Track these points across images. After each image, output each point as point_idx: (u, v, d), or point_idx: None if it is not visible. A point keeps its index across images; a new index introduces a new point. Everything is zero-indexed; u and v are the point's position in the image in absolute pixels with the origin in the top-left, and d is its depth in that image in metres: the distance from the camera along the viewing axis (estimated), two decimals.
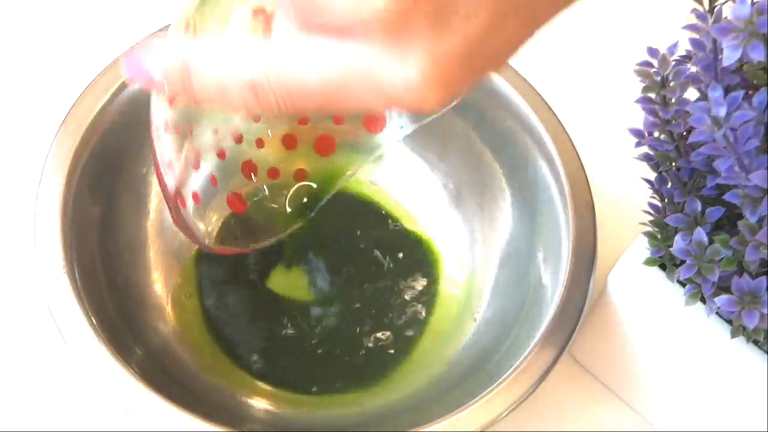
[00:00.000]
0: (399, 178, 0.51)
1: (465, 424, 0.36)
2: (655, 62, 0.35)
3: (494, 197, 0.47)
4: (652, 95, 0.35)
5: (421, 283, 0.48)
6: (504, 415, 0.37)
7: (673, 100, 0.35)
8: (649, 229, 0.38)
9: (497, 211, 0.47)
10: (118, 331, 0.40)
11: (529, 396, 0.37)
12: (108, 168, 0.44)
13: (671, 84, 0.35)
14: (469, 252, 0.48)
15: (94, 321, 0.37)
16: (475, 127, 0.48)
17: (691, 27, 0.33)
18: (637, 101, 0.36)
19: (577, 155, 0.44)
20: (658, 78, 0.35)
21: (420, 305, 0.48)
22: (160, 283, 0.46)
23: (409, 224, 0.50)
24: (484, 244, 0.48)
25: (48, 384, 0.44)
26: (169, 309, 0.45)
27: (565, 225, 0.42)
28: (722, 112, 0.30)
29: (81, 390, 0.43)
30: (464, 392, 0.39)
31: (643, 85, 0.36)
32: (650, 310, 0.39)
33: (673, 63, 0.35)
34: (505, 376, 0.37)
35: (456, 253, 0.49)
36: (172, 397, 0.36)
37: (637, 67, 0.35)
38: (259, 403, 0.44)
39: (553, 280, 0.41)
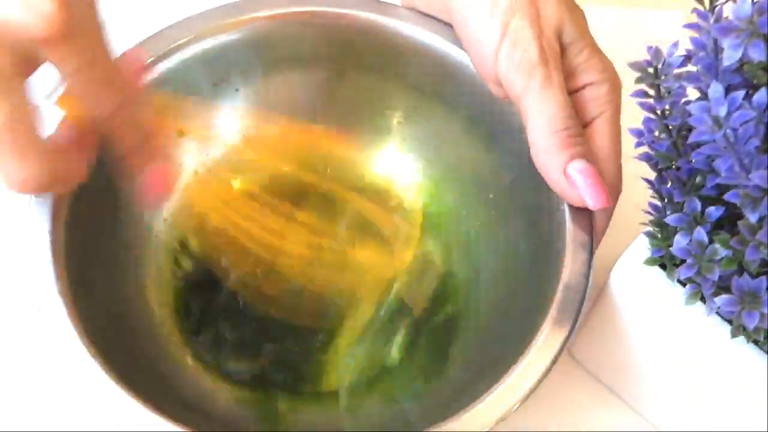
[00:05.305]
0: (396, 181, 0.51)
1: (465, 426, 0.36)
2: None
3: (494, 198, 0.47)
4: (646, 88, 0.35)
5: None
6: (504, 417, 0.37)
7: (668, 92, 0.35)
8: (649, 228, 0.38)
9: (497, 211, 0.47)
10: (113, 347, 0.39)
11: (528, 397, 0.37)
12: (98, 185, 0.43)
13: (664, 75, 0.34)
14: (468, 253, 0.48)
15: (91, 341, 0.37)
16: (471, 128, 0.48)
17: (692, 26, 0.33)
18: (632, 95, 0.36)
19: None
20: (651, 68, 0.35)
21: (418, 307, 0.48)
22: (155, 300, 0.45)
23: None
24: (483, 246, 0.48)
25: (45, 397, 0.44)
26: (168, 326, 0.45)
27: (566, 225, 0.42)
28: (722, 111, 0.30)
29: (77, 404, 0.43)
30: (463, 394, 0.39)
31: (636, 76, 0.35)
32: (650, 309, 0.39)
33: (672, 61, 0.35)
34: (504, 377, 0.37)
35: (456, 255, 0.49)
36: (167, 410, 0.36)
37: (631, 61, 0.35)
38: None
39: (553, 280, 0.41)
